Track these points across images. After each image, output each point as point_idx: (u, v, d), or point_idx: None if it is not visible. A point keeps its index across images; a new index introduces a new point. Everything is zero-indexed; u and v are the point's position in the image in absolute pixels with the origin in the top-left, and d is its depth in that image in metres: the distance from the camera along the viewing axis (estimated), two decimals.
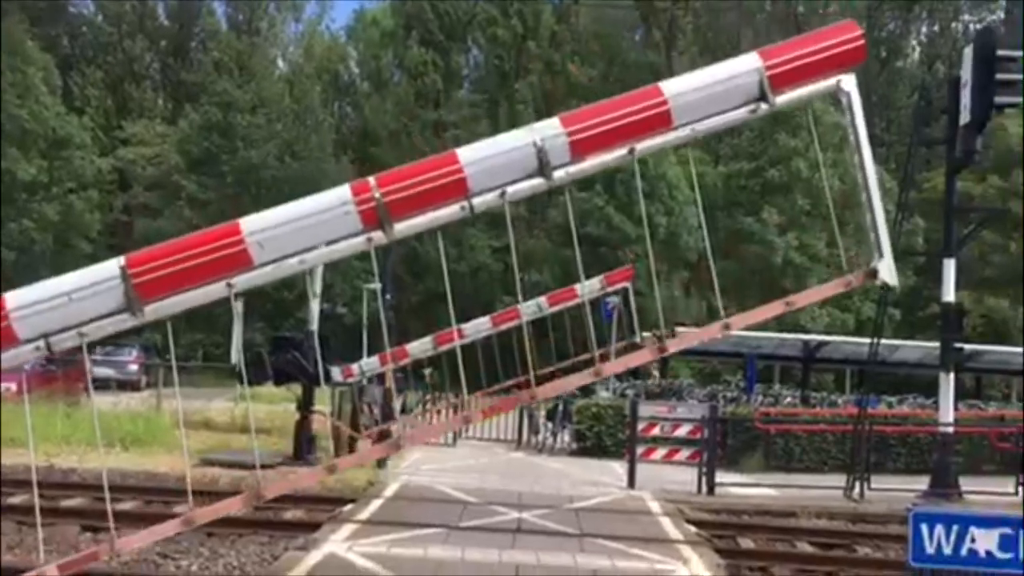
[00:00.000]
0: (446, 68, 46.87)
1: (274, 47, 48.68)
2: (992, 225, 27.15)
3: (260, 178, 36.14)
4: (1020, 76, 11.91)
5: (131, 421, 15.18)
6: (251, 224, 2.93)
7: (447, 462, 14.36)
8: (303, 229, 3.00)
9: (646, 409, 14.70)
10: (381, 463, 13.43)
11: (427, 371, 30.59)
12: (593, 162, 3.29)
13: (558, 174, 3.15)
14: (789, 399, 18.61)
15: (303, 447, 13.64)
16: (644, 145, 3.26)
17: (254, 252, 2.92)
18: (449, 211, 3.19)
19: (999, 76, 11.97)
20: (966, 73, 12.27)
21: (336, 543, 7.43)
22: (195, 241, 2.99)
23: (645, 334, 26.81)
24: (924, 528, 4.10)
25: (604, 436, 16.10)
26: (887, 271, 3.64)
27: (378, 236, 3.03)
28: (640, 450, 13.32)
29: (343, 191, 3.02)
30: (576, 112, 3.27)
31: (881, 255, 3.38)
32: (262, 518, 9.38)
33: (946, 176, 13.78)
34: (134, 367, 28.88)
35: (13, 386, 18.81)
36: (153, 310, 2.83)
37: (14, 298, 2.82)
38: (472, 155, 3.14)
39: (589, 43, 46.43)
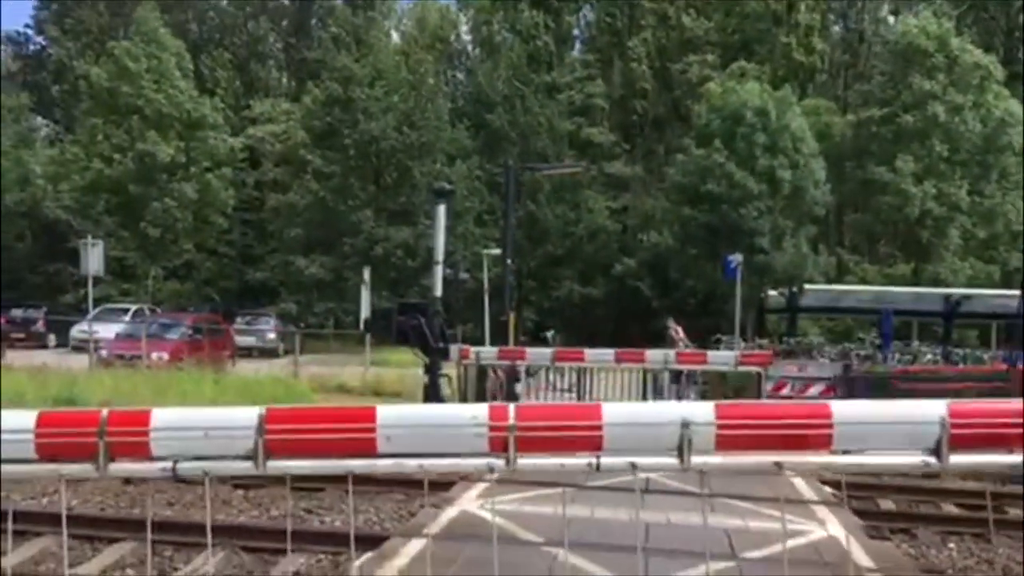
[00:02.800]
0: (557, 29, 46.46)
1: (388, 19, 49.44)
2: None
3: (380, 149, 37.00)
4: None
5: (272, 386, 15.99)
6: (385, 415, 3.02)
7: None
8: (431, 436, 3.05)
9: (775, 368, 14.34)
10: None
11: (550, 333, 30.92)
12: (736, 460, 3.18)
13: (695, 460, 3.05)
14: (929, 356, 17.74)
15: None
16: (791, 459, 3.13)
17: (380, 443, 3.00)
18: (576, 461, 3.14)
19: None
20: None
21: (469, 501, 7.63)
22: (331, 414, 3.10)
23: (772, 291, 26.12)
24: None
25: (730, 396, 15.82)
26: None
27: (499, 465, 3.03)
28: None
29: (480, 411, 3.03)
30: (734, 405, 3.17)
31: None
32: (397, 476, 9.74)
33: None
34: (272, 335, 30.29)
35: (166, 355, 20.21)
36: (275, 466, 2.98)
37: (159, 417, 3.00)
38: (616, 415, 3.09)
39: None
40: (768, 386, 13.01)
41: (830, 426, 2.94)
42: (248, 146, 41.97)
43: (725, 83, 36.81)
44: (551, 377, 18.49)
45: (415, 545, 6.16)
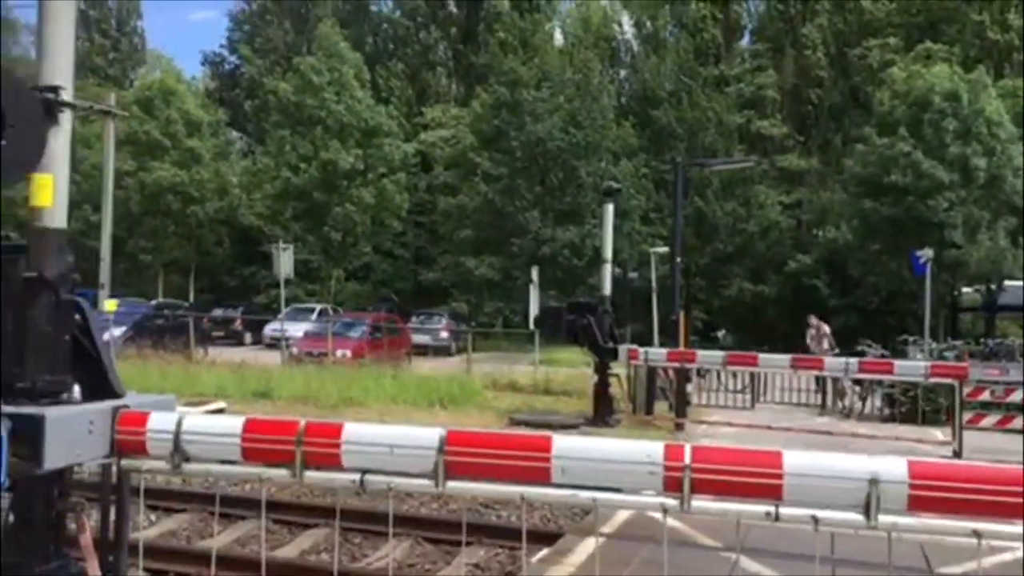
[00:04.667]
0: (726, 20, 45.27)
1: (552, 20, 49.87)
2: None
3: (547, 150, 37.35)
4: None
5: (447, 383, 16.53)
6: (561, 446, 3.08)
7: (746, 426, 14.07)
8: (605, 470, 3.07)
9: (973, 371, 13.32)
10: (679, 426, 13.52)
11: (720, 333, 30.20)
12: (930, 521, 2.98)
13: (884, 519, 2.89)
14: None
15: (602, 408, 14.04)
16: (992, 527, 2.90)
17: (554, 473, 3.06)
18: (753, 508, 3.06)
19: None
20: None
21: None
22: (509, 441, 3.20)
23: (967, 288, 24.29)
24: None
25: (921, 400, 14.85)
26: None
27: (672, 505, 3.01)
28: (966, 416, 12.14)
29: (656, 449, 3.02)
30: (931, 463, 2.98)
31: None
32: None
33: None
34: (445, 334, 31.25)
35: (349, 352, 21.40)
36: (452, 487, 3.11)
37: (350, 431, 3.19)
38: (798, 464, 2.97)
39: None
40: (965, 390, 12.11)
41: None
42: (420, 151, 43.56)
43: (910, 67, 34.52)
44: (723, 378, 18.09)
45: (590, 543, 6.21)
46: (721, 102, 40.80)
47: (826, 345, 19.25)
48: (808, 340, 19.87)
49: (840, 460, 2.94)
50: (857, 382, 16.46)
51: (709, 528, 6.35)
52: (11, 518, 3.01)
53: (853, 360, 12.97)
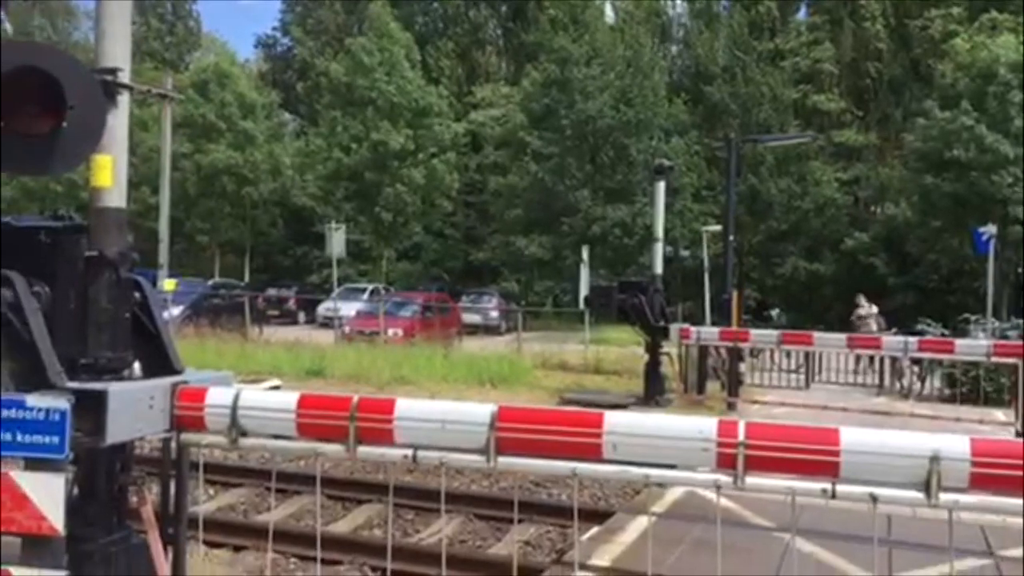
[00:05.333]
0: None
1: None
2: None
3: (597, 128, 37.03)
4: None
5: (497, 362, 16.59)
6: (612, 422, 3.05)
7: (800, 406, 13.86)
8: (656, 447, 3.04)
9: None
10: (731, 406, 13.38)
11: (774, 312, 29.73)
12: (991, 500, 2.88)
13: (945, 498, 2.79)
14: None
15: (653, 388, 13.96)
16: None
17: (606, 449, 3.04)
18: (808, 485, 2.99)
19: None
20: None
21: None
22: (559, 417, 3.19)
23: None
24: None
25: (983, 381, 14.46)
26: None
27: (726, 481, 2.96)
28: None
29: (709, 426, 2.98)
30: (995, 441, 2.87)
31: None
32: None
33: None
34: (495, 313, 31.33)
35: (400, 331, 21.61)
36: (504, 462, 3.11)
37: (402, 407, 3.21)
38: (856, 441, 2.89)
39: None
40: None
41: None
42: (470, 131, 43.53)
43: (973, 37, 33.38)
44: (776, 357, 17.83)
45: (641, 522, 6.20)
46: (776, 77, 39.96)
47: (874, 326, 18.80)
48: (854, 319, 19.45)
49: (900, 437, 2.87)
50: (916, 362, 16.08)
51: (762, 509, 6.28)
52: (75, 491, 3.10)
53: (912, 339, 12.68)
